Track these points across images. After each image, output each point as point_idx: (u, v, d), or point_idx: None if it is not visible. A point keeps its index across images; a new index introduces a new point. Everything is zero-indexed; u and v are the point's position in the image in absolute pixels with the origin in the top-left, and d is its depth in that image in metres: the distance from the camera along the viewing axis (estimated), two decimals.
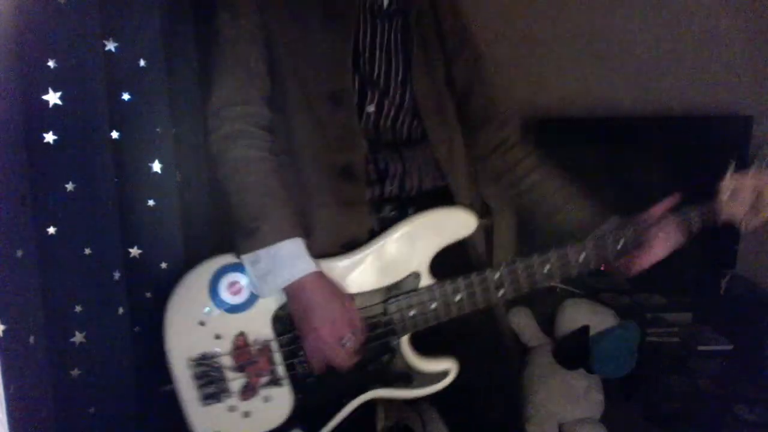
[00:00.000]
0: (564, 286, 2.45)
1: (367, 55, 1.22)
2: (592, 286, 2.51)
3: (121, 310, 1.18)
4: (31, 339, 0.97)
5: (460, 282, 1.18)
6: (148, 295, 1.29)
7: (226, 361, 1.16)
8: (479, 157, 1.39)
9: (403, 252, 1.19)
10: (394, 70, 1.25)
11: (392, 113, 1.25)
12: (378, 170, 1.23)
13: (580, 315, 2.27)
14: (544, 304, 2.44)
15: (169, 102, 1.28)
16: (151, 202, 1.26)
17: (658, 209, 1.24)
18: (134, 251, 1.25)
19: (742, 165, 2.63)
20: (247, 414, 1.17)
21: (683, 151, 2.50)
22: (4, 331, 0.90)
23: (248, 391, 1.17)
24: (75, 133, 1.05)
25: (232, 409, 1.17)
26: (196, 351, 1.16)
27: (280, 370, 1.18)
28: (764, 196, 1.21)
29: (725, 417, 2.21)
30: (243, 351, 1.16)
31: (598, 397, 2.17)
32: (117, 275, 1.17)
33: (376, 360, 1.20)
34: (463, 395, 1.26)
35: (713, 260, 2.57)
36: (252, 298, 1.16)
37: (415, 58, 1.25)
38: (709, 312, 2.48)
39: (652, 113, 2.61)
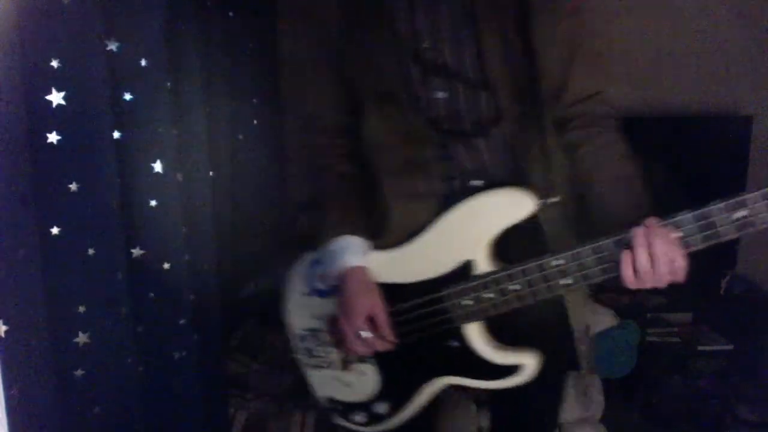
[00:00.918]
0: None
1: (428, 39, 1.17)
2: (592, 286, 2.51)
3: (124, 311, 1.18)
4: (34, 339, 0.97)
5: (517, 270, 1.10)
6: (151, 295, 1.29)
7: (323, 337, 1.31)
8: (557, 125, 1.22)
9: (454, 240, 1.16)
10: (460, 46, 1.17)
11: (464, 92, 1.19)
12: (449, 162, 1.20)
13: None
14: None
15: (171, 102, 1.28)
16: (153, 203, 1.26)
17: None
18: (137, 252, 1.25)
19: (742, 165, 2.63)
20: (348, 384, 1.31)
21: (683, 151, 2.50)
22: (6, 332, 0.90)
23: (346, 365, 1.30)
24: (78, 134, 1.04)
25: (336, 378, 1.32)
26: (302, 327, 1.33)
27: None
28: None
29: (725, 417, 2.21)
30: (336, 330, 1.26)
31: (598, 397, 2.18)
32: (119, 275, 1.16)
33: (443, 346, 1.21)
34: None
35: (713, 260, 2.57)
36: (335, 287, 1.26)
37: (483, 28, 1.15)
38: (709, 312, 2.49)
39: (652, 113, 2.61)
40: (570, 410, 2.12)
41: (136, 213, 1.24)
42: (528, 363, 1.17)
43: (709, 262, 2.71)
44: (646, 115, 2.61)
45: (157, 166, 1.26)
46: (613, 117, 1.22)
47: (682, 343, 2.38)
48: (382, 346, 1.21)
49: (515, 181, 1.16)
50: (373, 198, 1.26)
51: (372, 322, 1.19)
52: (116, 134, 1.18)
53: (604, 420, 2.17)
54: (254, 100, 2.49)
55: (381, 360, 1.26)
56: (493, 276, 1.13)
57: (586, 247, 1.06)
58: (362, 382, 1.30)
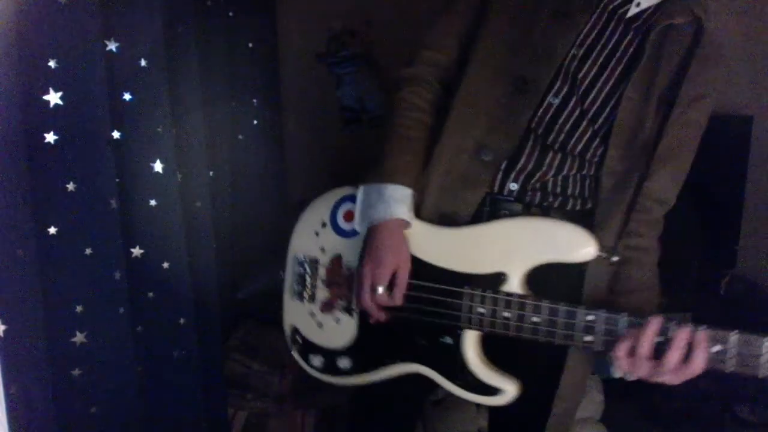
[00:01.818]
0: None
1: (581, 51, 1.16)
2: None
3: (122, 310, 1.18)
4: (32, 339, 0.97)
5: (545, 304, 1.08)
6: (150, 295, 1.29)
7: (322, 272, 1.30)
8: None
9: (498, 248, 1.13)
10: (604, 79, 1.15)
11: (576, 119, 1.16)
12: (520, 168, 1.18)
13: None
14: None
15: (170, 102, 1.28)
16: (152, 202, 1.26)
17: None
18: (136, 251, 1.25)
19: (742, 165, 2.63)
20: (320, 325, 1.30)
21: None
22: (4, 331, 0.90)
23: (327, 306, 1.29)
24: (76, 133, 1.04)
25: (312, 314, 1.31)
26: (305, 252, 1.32)
27: (355, 302, 1.25)
28: None
29: (725, 417, 2.21)
30: (335, 270, 1.28)
31: (598, 397, 2.17)
32: (118, 275, 1.17)
33: (434, 338, 1.19)
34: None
35: (713, 260, 2.57)
36: (357, 230, 1.26)
37: (636, 75, 1.12)
38: (709, 312, 2.48)
39: None
40: None
41: (135, 212, 1.24)
42: (508, 390, 1.15)
43: (709, 262, 2.72)
44: None
45: (157, 166, 1.26)
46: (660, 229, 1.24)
47: None
48: (385, 305, 1.19)
49: (580, 219, 1.15)
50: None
51: (391, 280, 1.18)
52: (116, 134, 1.19)
53: (604, 420, 2.16)
54: (254, 100, 2.49)
55: (364, 318, 1.25)
56: (521, 299, 1.10)
57: (622, 316, 1.04)
58: (335, 330, 1.28)
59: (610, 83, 1.16)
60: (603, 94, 1.16)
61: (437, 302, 1.17)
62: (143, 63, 1.21)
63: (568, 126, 1.17)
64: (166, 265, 1.30)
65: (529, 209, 1.20)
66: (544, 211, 1.20)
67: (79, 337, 1.10)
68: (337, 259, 1.28)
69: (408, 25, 1.89)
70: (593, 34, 1.16)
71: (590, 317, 1.05)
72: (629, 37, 1.16)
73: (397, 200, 1.18)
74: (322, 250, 1.30)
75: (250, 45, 2.43)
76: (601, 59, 1.16)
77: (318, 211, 1.32)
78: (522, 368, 1.17)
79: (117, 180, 1.17)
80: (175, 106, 1.30)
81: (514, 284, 1.12)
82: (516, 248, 1.12)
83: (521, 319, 1.10)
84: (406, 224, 1.19)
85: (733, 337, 0.98)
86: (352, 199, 1.26)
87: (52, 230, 1.04)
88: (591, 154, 1.19)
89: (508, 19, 1.19)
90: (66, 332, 1.09)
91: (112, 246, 1.15)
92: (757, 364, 1.00)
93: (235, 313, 2.42)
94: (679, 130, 1.16)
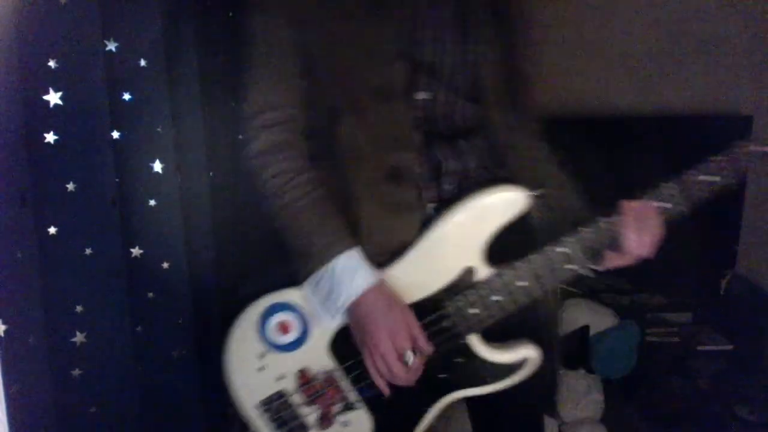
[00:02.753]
0: (564, 286, 2.45)
1: (418, 37, 1.12)
2: (592, 286, 2.51)
3: (121, 310, 1.18)
4: (32, 339, 0.97)
5: (520, 266, 1.09)
6: (150, 295, 1.29)
7: (296, 398, 1.15)
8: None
9: (447, 250, 1.09)
10: (451, 54, 1.14)
11: (449, 99, 1.15)
12: (433, 168, 1.14)
13: (580, 315, 2.27)
14: None
15: (169, 102, 1.28)
16: (152, 202, 1.26)
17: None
18: (135, 251, 1.25)
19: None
20: None
21: (683, 151, 2.49)
22: (5, 331, 0.90)
23: (325, 421, 1.15)
24: (76, 133, 1.05)
25: None
26: (263, 395, 1.15)
27: (351, 395, 1.15)
28: None
29: (725, 417, 2.21)
30: (309, 385, 1.14)
31: (598, 397, 2.17)
32: (117, 275, 1.17)
33: (448, 365, 1.13)
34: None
35: (713, 260, 2.57)
36: (304, 334, 1.13)
37: (472, 38, 1.13)
38: (709, 312, 2.48)
39: (652, 113, 2.61)
40: (570, 410, 2.11)
41: (135, 212, 1.24)
42: (531, 354, 1.13)
43: (709, 262, 2.72)
44: (646, 115, 2.60)
45: (156, 166, 1.26)
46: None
47: (682, 343, 2.37)
48: (422, 368, 1.10)
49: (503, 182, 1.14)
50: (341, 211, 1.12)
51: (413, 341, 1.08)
52: (115, 134, 1.19)
53: (604, 420, 2.16)
54: None
55: (372, 401, 1.14)
56: (500, 277, 1.09)
57: (586, 231, 1.09)
58: None
59: (458, 49, 1.14)
60: (458, 67, 1.14)
61: (435, 332, 1.11)
62: (143, 63, 1.21)
63: (446, 111, 1.16)
64: (166, 265, 1.30)
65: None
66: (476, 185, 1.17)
67: (79, 337, 1.10)
68: (302, 374, 1.14)
69: None
70: (420, 17, 1.12)
71: (561, 249, 1.08)
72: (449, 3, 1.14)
73: (355, 268, 1.06)
74: (280, 378, 1.14)
75: None
76: (440, 34, 1.13)
77: (246, 346, 1.15)
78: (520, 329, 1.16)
79: (117, 180, 1.17)
80: (175, 106, 1.30)
81: (483, 269, 1.10)
82: (463, 239, 1.10)
83: (510, 293, 1.09)
84: (382, 281, 1.08)
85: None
86: (272, 310, 1.13)
87: (52, 230, 1.04)
88: (478, 121, 1.18)
89: (337, 32, 1.11)
90: (66, 332, 1.09)
91: (111, 246, 1.15)
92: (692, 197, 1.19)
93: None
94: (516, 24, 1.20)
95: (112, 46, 1.16)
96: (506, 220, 1.09)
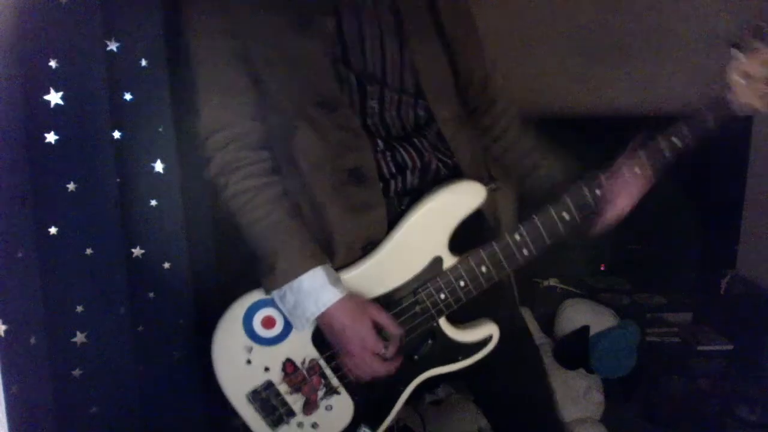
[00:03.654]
0: (564, 286, 2.46)
1: (356, 48, 1.15)
2: (592, 286, 2.51)
3: (122, 310, 1.18)
4: (32, 339, 0.97)
5: (482, 253, 1.19)
6: (151, 295, 1.29)
7: (282, 388, 1.22)
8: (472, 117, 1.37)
9: (417, 241, 1.18)
10: (389, 55, 1.17)
11: (395, 100, 1.19)
12: (396, 164, 1.18)
13: (580, 315, 2.27)
14: (544, 304, 2.44)
15: (171, 102, 1.28)
16: (153, 202, 1.26)
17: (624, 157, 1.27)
18: (137, 251, 1.25)
19: (742, 165, 2.62)
20: (314, 425, 1.24)
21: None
22: (5, 332, 0.90)
23: (310, 407, 1.23)
24: (76, 133, 1.04)
25: (300, 425, 1.24)
26: (251, 387, 1.22)
27: (334, 381, 1.23)
28: None
29: (725, 417, 2.21)
30: (294, 375, 1.21)
31: (598, 397, 2.18)
32: (118, 275, 1.17)
33: (421, 346, 1.22)
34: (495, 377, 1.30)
35: (713, 260, 2.58)
36: (287, 327, 1.19)
37: (409, 37, 1.17)
38: (709, 312, 2.48)
39: (652, 113, 2.61)
40: (570, 410, 2.12)
41: (136, 213, 1.24)
42: (494, 332, 1.24)
43: (709, 262, 2.72)
44: (646, 115, 2.60)
45: (158, 166, 1.26)
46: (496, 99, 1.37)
47: (682, 343, 2.38)
48: (399, 355, 1.19)
49: (459, 175, 1.24)
50: (306, 218, 1.17)
51: (380, 334, 1.16)
52: (116, 134, 1.18)
53: (604, 420, 2.16)
54: None
55: (351, 384, 1.22)
56: (464, 264, 1.18)
57: (539, 217, 1.19)
58: (332, 416, 1.24)
59: (394, 56, 1.17)
60: (396, 68, 1.18)
61: (408, 318, 1.20)
62: (144, 63, 1.21)
63: (394, 110, 1.19)
64: (166, 265, 1.30)
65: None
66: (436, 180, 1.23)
67: (79, 337, 1.10)
68: (288, 364, 1.21)
69: None
70: (355, 25, 1.14)
71: (517, 236, 1.19)
72: (382, 8, 1.16)
73: (319, 286, 1.12)
74: (267, 369, 1.21)
75: None
76: (375, 41, 1.16)
77: (233, 341, 1.21)
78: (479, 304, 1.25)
79: (117, 180, 1.17)
80: (175, 106, 1.30)
81: (448, 258, 1.20)
82: (429, 231, 1.18)
83: (475, 278, 1.19)
84: (347, 296, 1.13)
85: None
86: (256, 306, 1.19)
87: (53, 230, 1.04)
88: (426, 115, 1.23)
89: (272, 44, 1.11)
90: (66, 332, 1.09)
91: (112, 246, 1.15)
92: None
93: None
94: (458, 29, 1.25)
95: (113, 46, 1.16)
96: (468, 212, 1.19)
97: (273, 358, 1.21)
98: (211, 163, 1.15)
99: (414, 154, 1.20)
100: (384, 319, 1.16)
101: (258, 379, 1.21)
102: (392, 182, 1.19)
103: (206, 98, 1.14)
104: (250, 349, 1.20)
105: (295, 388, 1.22)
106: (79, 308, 1.10)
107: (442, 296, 1.19)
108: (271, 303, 1.18)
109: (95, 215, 1.10)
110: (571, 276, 2.51)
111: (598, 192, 1.21)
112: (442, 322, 1.23)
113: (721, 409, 2.23)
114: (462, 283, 1.19)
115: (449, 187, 1.19)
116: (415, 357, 1.23)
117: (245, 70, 1.12)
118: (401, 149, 1.19)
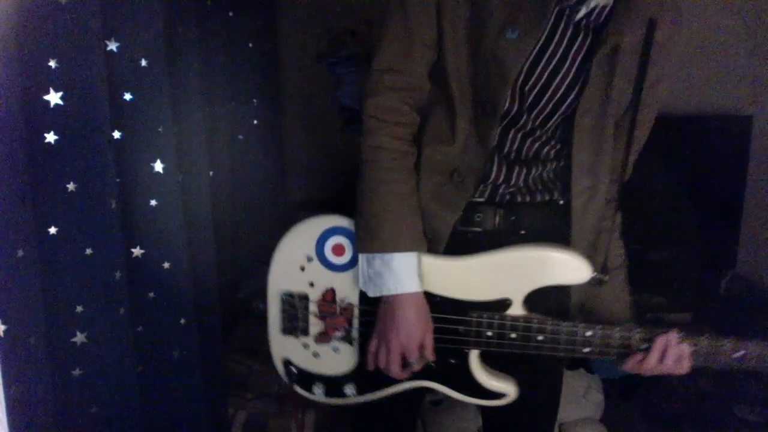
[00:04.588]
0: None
1: (535, 75, 1.09)
2: None
3: (122, 310, 1.18)
4: (32, 339, 0.97)
5: (548, 325, 1.15)
6: (151, 295, 1.29)
7: (312, 307, 1.26)
8: None
9: (503, 275, 1.16)
10: (555, 87, 1.10)
11: (531, 128, 1.15)
12: (505, 177, 1.18)
13: None
14: None
15: (170, 102, 1.28)
16: (153, 202, 1.26)
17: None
18: (137, 251, 1.25)
19: (742, 165, 2.63)
20: (316, 354, 1.28)
21: (683, 151, 2.50)
22: (4, 331, 0.90)
23: (323, 337, 1.27)
24: (76, 133, 1.04)
25: (305, 346, 1.28)
26: (290, 288, 1.27)
27: (354, 332, 1.25)
28: None
29: (725, 417, 2.21)
30: (329, 304, 1.25)
31: (598, 397, 2.18)
32: (118, 275, 1.16)
33: (442, 359, 1.21)
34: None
35: (713, 260, 2.57)
36: (350, 264, 1.22)
37: (589, 87, 1.09)
38: (709, 312, 2.49)
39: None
40: (570, 410, 2.11)
41: (136, 213, 1.24)
42: (510, 393, 1.22)
43: (709, 262, 2.72)
44: None
45: (157, 166, 1.26)
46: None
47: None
48: (412, 373, 1.19)
49: (550, 210, 1.22)
50: None
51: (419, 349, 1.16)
52: (116, 134, 1.18)
53: (604, 420, 2.16)
54: (254, 100, 2.49)
55: (364, 344, 1.24)
56: (526, 323, 1.16)
57: (616, 330, 1.15)
58: (334, 358, 1.27)
59: (559, 94, 1.11)
60: (551, 104, 1.12)
61: (447, 330, 1.19)
62: (143, 63, 1.21)
63: (524, 138, 1.16)
64: (166, 265, 1.30)
65: (499, 207, 1.20)
66: (512, 207, 1.20)
67: (79, 337, 1.10)
68: (329, 293, 1.25)
69: None
70: (541, 42, 1.08)
71: (589, 333, 1.15)
72: (579, 41, 1.09)
73: (407, 271, 1.13)
74: (311, 284, 1.26)
75: (250, 45, 2.43)
76: (550, 67, 1.09)
77: (301, 244, 1.25)
78: (520, 372, 1.22)
79: (117, 180, 1.17)
80: (175, 106, 1.30)
81: (518, 307, 1.17)
82: (519, 275, 1.16)
83: (527, 339, 1.17)
84: (422, 293, 1.15)
85: (704, 340, 1.15)
86: (339, 231, 1.22)
87: (53, 230, 1.04)
88: (554, 154, 1.19)
89: (463, 34, 1.09)
90: (66, 332, 1.09)
91: (112, 246, 1.15)
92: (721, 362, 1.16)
93: (234, 313, 2.42)
94: (644, 122, 1.20)
95: (112, 46, 1.16)
96: (563, 283, 1.17)
97: (323, 279, 1.25)
98: (373, 97, 1.13)
99: (521, 175, 1.18)
100: (430, 340, 1.16)
101: (299, 287, 1.26)
102: (481, 188, 1.18)
103: (397, 33, 1.11)
104: (310, 259, 1.24)
105: (322, 315, 1.26)
106: (79, 308, 1.10)
107: (489, 334, 1.17)
108: (351, 235, 1.21)
109: (95, 215, 1.10)
110: None
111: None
112: (473, 354, 1.21)
113: (721, 409, 2.23)
114: (513, 336, 1.16)
115: (563, 250, 1.16)
116: (432, 364, 1.20)
117: (440, 31, 1.10)
118: (513, 170, 1.17)
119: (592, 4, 1.06)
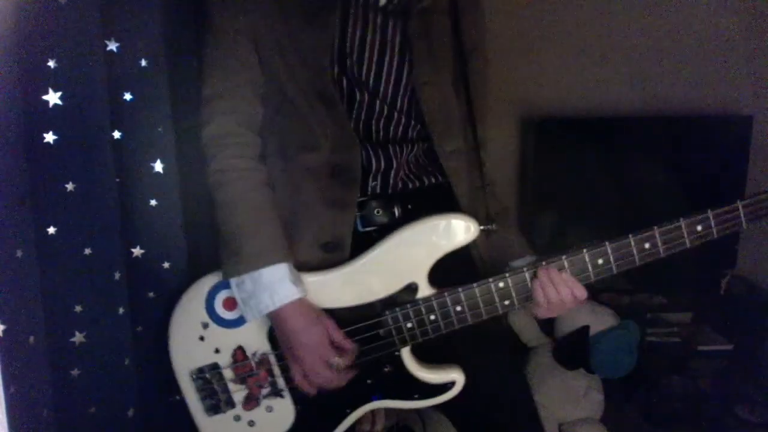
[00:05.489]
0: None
1: (355, 55, 1.15)
2: (591, 285, 2.51)
3: (121, 310, 1.18)
4: (31, 339, 0.97)
5: (461, 292, 1.13)
6: (151, 295, 1.29)
7: (227, 373, 1.20)
8: None
9: (397, 262, 1.14)
10: (386, 71, 1.17)
11: (386, 113, 1.19)
12: (362, 166, 1.18)
13: (580, 315, 2.27)
14: None
15: (170, 102, 1.28)
16: (153, 202, 1.26)
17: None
18: (137, 251, 1.25)
19: (742, 165, 2.63)
20: (251, 423, 1.20)
21: (683, 151, 2.50)
22: (3, 331, 0.90)
23: (251, 402, 1.20)
24: (75, 133, 1.04)
25: (236, 418, 1.21)
26: (198, 364, 1.20)
27: (280, 381, 1.19)
28: None
29: (725, 417, 2.21)
30: (242, 364, 1.19)
31: (598, 397, 2.18)
32: (117, 275, 1.16)
33: (377, 371, 1.18)
34: (471, 399, 1.21)
35: (713, 260, 2.57)
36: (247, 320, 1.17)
37: (416, 59, 1.17)
38: (709, 312, 2.49)
39: (652, 113, 2.61)
40: (570, 410, 2.11)
41: (136, 212, 1.24)
42: (456, 378, 1.18)
43: (709, 262, 2.73)
44: (646, 115, 2.61)
45: (157, 166, 1.26)
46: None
47: (682, 343, 2.38)
48: (351, 371, 1.15)
49: (441, 194, 1.23)
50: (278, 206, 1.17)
51: (334, 346, 1.13)
52: (116, 134, 1.18)
53: (604, 420, 2.16)
54: None
55: (297, 392, 1.19)
56: (438, 298, 1.13)
57: (525, 271, 1.12)
58: (271, 419, 1.20)
59: (393, 75, 1.17)
60: (391, 86, 1.18)
61: (368, 339, 1.15)
62: (143, 63, 1.21)
63: (382, 121, 1.19)
64: (166, 265, 1.30)
65: (394, 198, 1.21)
66: (406, 196, 1.21)
67: (78, 337, 1.10)
68: (239, 351, 1.19)
69: None
70: (358, 32, 1.14)
71: (501, 284, 1.12)
72: (391, 25, 1.16)
73: (279, 281, 1.10)
74: (217, 351, 1.20)
75: None
76: (375, 56, 1.16)
77: (192, 313, 1.20)
78: (465, 358, 1.22)
79: (117, 180, 1.17)
80: (175, 106, 1.30)
81: (425, 288, 1.14)
82: (413, 256, 1.14)
83: (447, 315, 1.14)
84: (298, 298, 1.12)
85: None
86: (223, 285, 1.19)
87: (52, 230, 1.04)
88: (416, 134, 1.23)
89: (279, 46, 1.13)
90: (65, 332, 1.09)
91: (112, 246, 1.15)
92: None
93: None
94: (476, 82, 1.25)
95: (112, 46, 1.16)
96: (456, 245, 1.14)
97: (226, 340, 1.19)
98: (207, 127, 1.16)
99: (383, 160, 1.19)
100: (337, 334, 1.13)
101: (206, 358, 1.19)
102: (371, 183, 1.19)
103: (220, 62, 1.14)
104: (206, 326, 1.19)
105: (240, 378, 1.19)
106: (78, 308, 1.09)
107: (409, 325, 1.14)
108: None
109: (94, 215, 1.10)
110: None
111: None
112: (405, 353, 1.17)
113: (721, 409, 2.23)
114: (432, 317, 1.13)
115: (442, 215, 1.15)
116: (369, 381, 1.17)
117: (256, 50, 1.13)
118: (373, 152, 1.19)
119: None
